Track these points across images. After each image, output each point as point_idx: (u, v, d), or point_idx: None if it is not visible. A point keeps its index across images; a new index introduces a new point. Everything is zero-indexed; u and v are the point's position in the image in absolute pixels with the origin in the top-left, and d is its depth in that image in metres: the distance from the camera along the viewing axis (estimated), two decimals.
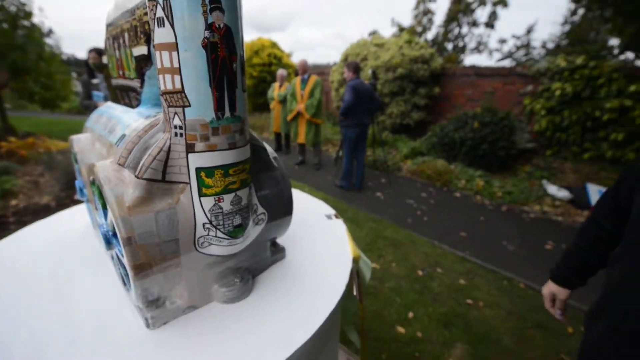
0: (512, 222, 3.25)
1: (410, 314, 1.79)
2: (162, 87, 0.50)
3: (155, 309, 0.59)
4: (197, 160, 0.53)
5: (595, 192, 3.47)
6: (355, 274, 0.82)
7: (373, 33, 15.02)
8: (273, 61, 7.85)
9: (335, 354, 0.95)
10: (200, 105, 0.50)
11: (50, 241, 0.85)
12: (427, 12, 13.46)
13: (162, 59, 0.48)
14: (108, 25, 0.76)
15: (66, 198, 2.86)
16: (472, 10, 12.75)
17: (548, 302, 0.93)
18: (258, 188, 0.67)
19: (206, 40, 0.47)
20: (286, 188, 0.74)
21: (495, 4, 12.10)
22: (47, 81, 5.33)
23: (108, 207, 0.53)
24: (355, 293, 0.80)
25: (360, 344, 0.92)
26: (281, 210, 0.73)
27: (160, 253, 0.53)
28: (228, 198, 0.57)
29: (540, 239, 2.88)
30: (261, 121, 7.45)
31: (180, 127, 0.51)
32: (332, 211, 1.11)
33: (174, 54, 0.47)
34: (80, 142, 0.78)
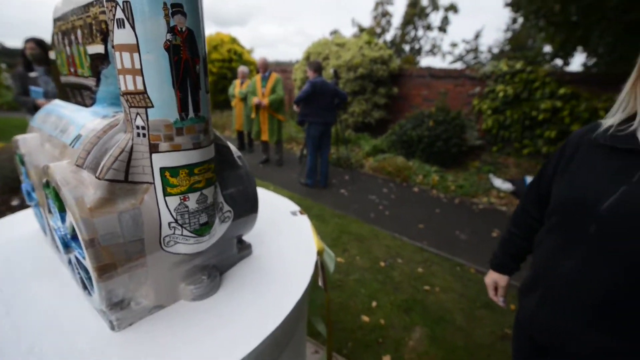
0: (464, 213, 3.53)
1: (374, 303, 1.89)
2: (123, 88, 0.50)
3: (120, 310, 0.58)
4: (161, 160, 0.53)
5: None
6: (320, 266, 0.87)
7: (334, 32, 15.20)
8: (233, 57, 7.65)
9: (303, 346, 0.99)
10: (164, 106, 0.51)
11: None
12: (386, 14, 13.94)
13: (122, 59, 0.48)
14: (56, 20, 0.73)
15: (2, 205, 2.58)
16: (427, 15, 13.45)
17: (491, 291, 0.99)
18: (223, 186, 0.69)
19: (168, 42, 0.48)
20: (251, 186, 0.76)
21: (447, 10, 12.87)
22: None
23: (67, 210, 0.52)
24: (320, 284, 0.85)
25: (326, 333, 0.96)
26: (247, 207, 0.75)
27: (125, 253, 0.53)
28: (194, 197, 0.58)
29: (488, 227, 3.16)
30: (223, 119, 7.24)
31: (143, 128, 0.52)
32: (297, 208, 1.14)
33: (135, 55, 0.47)
34: (27, 142, 0.74)
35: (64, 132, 0.67)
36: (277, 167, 4.73)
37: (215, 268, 0.72)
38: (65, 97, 0.82)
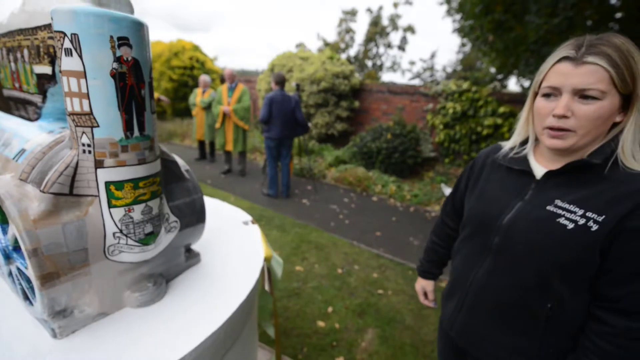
0: (417, 220, 3.77)
1: (330, 309, 1.97)
2: (70, 109, 0.55)
3: (63, 318, 0.61)
4: (107, 175, 0.58)
5: None
6: (267, 272, 0.93)
7: (299, 45, 15.51)
8: (195, 65, 7.52)
9: (253, 350, 1.04)
10: (110, 126, 0.56)
11: None
12: (349, 30, 14.54)
13: (69, 84, 0.53)
14: (1, 36, 0.74)
15: None
16: (387, 34, 14.24)
17: (421, 297, 1.06)
18: (170, 198, 0.74)
19: (114, 70, 0.54)
20: (198, 198, 0.81)
21: (405, 30, 13.74)
22: None
23: (10, 222, 0.54)
24: (267, 289, 0.91)
25: (275, 336, 1.02)
26: (193, 218, 0.80)
27: (69, 262, 0.57)
28: (139, 208, 0.63)
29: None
30: (183, 128, 7.04)
31: (89, 145, 0.56)
32: (249, 218, 1.20)
33: (82, 80, 0.53)
34: None
35: (6, 146, 0.69)
36: (240, 178, 4.71)
37: (161, 276, 0.76)
38: (7, 109, 0.82)
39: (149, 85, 0.60)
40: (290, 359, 1.55)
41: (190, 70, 7.57)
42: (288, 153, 3.86)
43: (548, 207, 0.66)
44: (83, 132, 0.55)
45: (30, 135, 0.67)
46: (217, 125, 4.61)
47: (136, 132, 0.59)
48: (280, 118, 3.57)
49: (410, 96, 6.25)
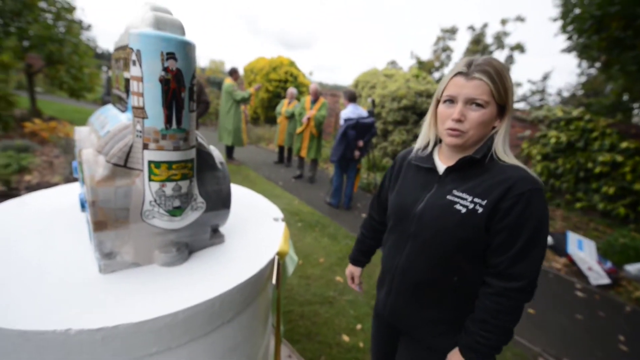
0: None
1: (359, 326, 1.92)
2: (133, 104, 0.74)
3: (108, 259, 0.80)
4: (150, 155, 0.75)
5: (574, 240, 3.55)
6: (277, 265, 1.01)
7: (391, 62, 15.49)
8: (289, 79, 8.29)
9: (255, 335, 1.13)
10: (155, 118, 0.73)
11: (48, 205, 1.09)
12: (446, 49, 13.91)
13: (133, 85, 0.72)
14: (115, 49, 1.03)
15: (75, 180, 3.15)
16: (490, 52, 13.11)
17: (349, 280, 1.22)
18: (201, 183, 0.90)
19: (162, 77, 0.71)
20: (226, 186, 0.95)
21: (512, 49, 12.44)
22: (77, 73, 5.80)
23: (85, 180, 0.76)
24: (273, 281, 0.99)
25: (275, 328, 1.09)
26: (219, 203, 0.94)
27: (115, 216, 0.76)
28: (170, 185, 0.79)
29: None
30: (270, 133, 7.80)
31: (140, 132, 0.74)
32: (280, 215, 1.31)
33: (140, 83, 0.71)
34: (80, 132, 1.03)
35: (103, 127, 0.95)
36: (308, 184, 4.96)
37: (186, 245, 0.91)
38: (114, 103, 1.12)
39: (189, 90, 0.76)
40: (299, 355, 1.59)
41: (284, 83, 8.37)
42: (355, 165, 3.92)
43: (447, 197, 0.81)
44: (137, 122, 0.74)
45: (116, 121, 0.90)
46: (298, 130, 4.98)
47: (174, 125, 0.75)
48: (351, 144, 3.64)
49: None
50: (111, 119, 0.94)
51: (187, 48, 0.73)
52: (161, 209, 0.80)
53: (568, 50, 4.34)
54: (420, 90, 5.83)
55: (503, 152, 0.78)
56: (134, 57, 0.70)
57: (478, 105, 0.75)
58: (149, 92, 0.71)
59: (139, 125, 0.74)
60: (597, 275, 3.00)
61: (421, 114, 5.98)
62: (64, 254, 0.84)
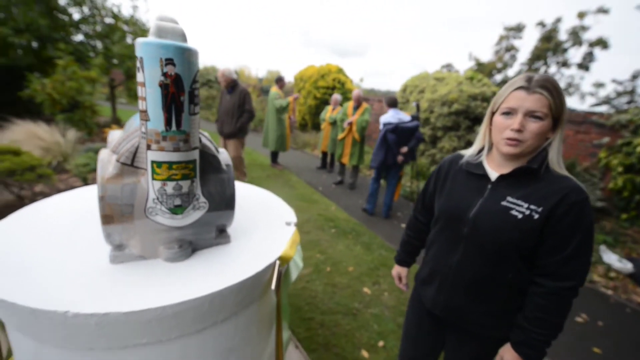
0: None
1: (381, 343, 1.81)
2: (140, 107, 0.80)
3: (118, 251, 0.87)
4: (152, 155, 0.80)
5: None
6: (277, 270, 0.99)
7: (446, 66, 14.71)
8: (337, 85, 8.35)
9: (253, 342, 1.12)
10: (156, 121, 0.78)
11: (86, 199, 1.24)
12: (511, 48, 12.74)
13: (140, 91, 0.78)
14: None
15: None
16: (564, 50, 11.68)
17: (397, 280, 1.30)
18: (204, 183, 0.93)
19: (161, 82, 0.75)
20: (230, 188, 0.98)
21: (592, 45, 10.92)
22: None
23: (97, 177, 0.84)
24: (272, 287, 0.97)
25: (276, 335, 1.07)
26: (222, 203, 0.97)
27: (121, 211, 0.82)
28: (171, 184, 0.83)
29: (573, 310, 2.55)
30: (315, 139, 7.92)
31: (144, 133, 0.80)
32: (293, 220, 1.30)
33: (143, 88, 0.76)
34: (113, 135, 1.15)
35: (127, 131, 1.04)
36: (348, 190, 4.90)
37: (190, 243, 0.95)
38: None
39: (189, 94, 0.80)
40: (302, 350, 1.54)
41: (332, 90, 8.45)
42: (396, 173, 3.77)
43: (502, 203, 0.89)
44: (142, 124, 0.80)
45: (136, 124, 0.99)
46: (340, 136, 4.98)
47: (174, 127, 0.79)
48: (392, 149, 3.52)
49: (577, 125, 4.94)
50: (134, 124, 1.03)
51: (186, 54, 0.77)
52: (163, 207, 0.85)
53: None
54: (474, 93, 5.41)
55: (556, 163, 0.87)
56: (138, 64, 0.75)
57: (537, 117, 0.83)
58: (150, 96, 0.76)
59: (144, 127, 0.79)
60: None
61: (475, 119, 5.54)
62: (88, 245, 0.94)
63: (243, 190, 1.56)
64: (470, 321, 0.99)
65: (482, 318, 0.97)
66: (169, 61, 0.74)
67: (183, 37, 0.79)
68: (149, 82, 0.75)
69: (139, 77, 0.76)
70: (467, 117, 5.55)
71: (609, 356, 2.04)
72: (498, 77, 13.14)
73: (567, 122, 5.05)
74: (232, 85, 3.87)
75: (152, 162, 0.81)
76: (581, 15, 10.76)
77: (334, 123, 5.36)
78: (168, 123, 0.78)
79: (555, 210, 0.82)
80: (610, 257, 3.35)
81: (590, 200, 0.84)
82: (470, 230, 0.92)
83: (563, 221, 0.82)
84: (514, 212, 0.86)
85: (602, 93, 12.64)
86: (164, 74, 0.74)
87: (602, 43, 10.70)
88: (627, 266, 3.19)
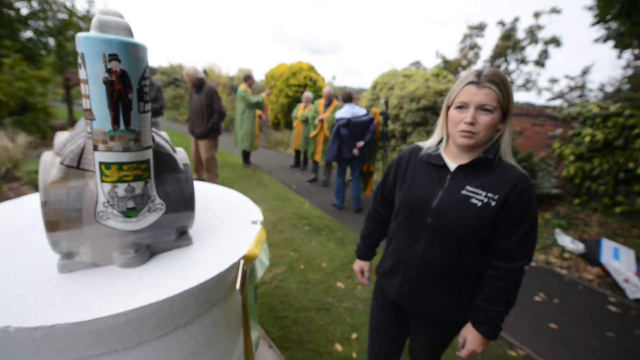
0: None
1: (355, 335, 1.84)
2: (83, 106, 0.75)
3: (66, 259, 0.82)
4: (99, 156, 0.76)
5: (609, 248, 3.20)
6: (242, 269, 0.98)
7: (415, 63, 15.12)
8: (308, 83, 8.34)
9: (220, 344, 1.10)
10: (101, 120, 0.74)
11: (37, 207, 1.15)
12: (474, 46, 13.34)
13: (82, 88, 0.74)
14: None
15: None
16: (522, 48, 12.40)
17: (359, 275, 1.31)
18: (160, 184, 0.90)
19: (106, 78, 0.71)
20: (188, 188, 0.95)
21: (547, 43, 11.68)
22: None
23: (39, 181, 0.78)
24: (237, 287, 0.96)
25: (244, 337, 1.05)
26: (181, 204, 0.94)
27: (67, 217, 0.77)
28: (122, 186, 0.79)
29: (531, 290, 2.73)
30: (288, 138, 7.87)
31: (90, 133, 0.76)
32: (259, 218, 1.29)
33: (86, 86, 0.72)
34: (59, 137, 1.07)
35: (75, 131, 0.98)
36: (322, 187, 4.93)
37: (147, 247, 0.91)
38: None
39: (137, 91, 0.76)
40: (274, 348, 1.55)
41: (304, 88, 8.43)
42: (358, 167, 3.84)
43: (462, 192, 0.93)
44: (88, 123, 0.75)
45: (82, 124, 0.93)
46: (312, 134, 4.98)
47: (122, 126, 0.76)
48: (347, 144, 3.58)
49: (533, 118, 5.26)
50: (82, 124, 0.98)
51: (132, 49, 0.73)
52: (115, 210, 0.81)
53: (603, 40, 3.97)
54: (440, 89, 5.61)
55: (507, 153, 0.93)
56: (80, 60, 0.71)
57: (487, 110, 0.88)
58: (94, 94, 0.72)
59: (89, 127, 0.75)
60: (636, 288, 2.68)
61: None
62: (36, 255, 0.87)
63: (208, 191, 1.52)
64: (434, 308, 1.04)
65: (445, 304, 1.02)
66: (113, 57, 0.70)
67: (128, 32, 0.76)
68: (92, 79, 0.71)
69: (81, 73, 0.72)
70: (434, 113, 5.75)
71: (564, 330, 2.20)
72: (464, 74, 13.68)
73: (527, 116, 5.35)
74: (199, 84, 3.74)
75: (100, 163, 0.77)
76: (537, 15, 11.46)
77: (306, 121, 5.36)
78: (115, 122, 0.75)
79: (508, 198, 0.88)
80: (564, 240, 3.62)
81: (533, 187, 0.91)
82: (433, 220, 0.95)
83: (515, 208, 0.88)
84: (473, 201, 0.91)
85: (557, 88, 13.56)
86: (108, 70, 0.71)
87: (555, 41, 11.48)
88: (579, 247, 3.46)
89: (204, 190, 1.51)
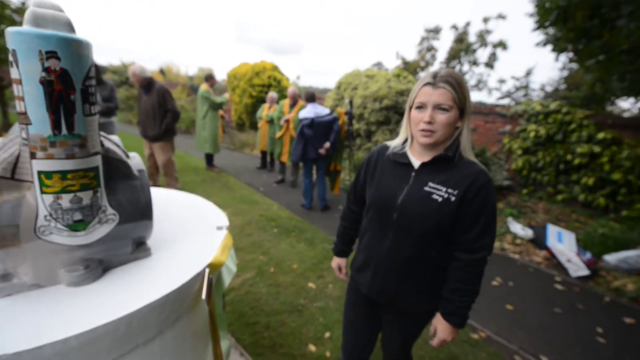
0: None
1: (327, 334, 1.85)
2: (17, 109, 0.67)
3: (3, 282, 0.72)
4: (38, 165, 0.68)
5: (554, 233, 3.54)
6: (207, 278, 0.93)
7: (377, 64, 15.56)
8: (272, 83, 8.24)
9: (201, 352, 1.05)
10: (39, 124, 0.66)
11: None
12: (431, 48, 14.03)
13: (15, 89, 0.66)
14: None
15: None
16: (474, 51, 13.27)
17: (337, 271, 1.34)
18: (112, 193, 0.83)
19: (43, 78, 0.64)
20: (144, 195, 0.89)
21: (495, 46, 12.59)
22: None
23: None
24: (203, 297, 0.91)
25: (213, 345, 1.01)
26: (137, 214, 0.87)
27: (1, 235, 0.68)
28: (67, 197, 0.72)
29: (489, 275, 2.93)
30: (254, 139, 7.72)
31: (26, 139, 0.68)
32: (225, 224, 1.24)
33: (20, 86, 0.64)
34: None
35: (8, 137, 0.87)
36: (290, 188, 4.90)
37: (100, 262, 0.84)
38: None
39: (81, 92, 0.70)
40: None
41: (268, 87, 8.31)
42: (323, 165, 3.88)
43: (425, 188, 0.97)
44: (23, 128, 0.67)
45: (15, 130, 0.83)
46: (278, 135, 4.93)
47: (64, 131, 0.68)
48: (312, 143, 3.60)
49: (485, 116, 5.65)
50: (16, 129, 0.87)
51: (74, 46, 0.67)
52: (59, 224, 0.73)
53: (543, 44, 4.36)
54: (401, 89, 5.82)
55: (466, 149, 0.98)
56: (11, 57, 0.63)
57: (444, 109, 0.92)
58: (29, 96, 0.64)
59: (25, 133, 0.67)
60: (576, 267, 2.98)
61: (403, 113, 5.98)
62: None
63: (169, 197, 1.44)
64: (404, 300, 1.07)
65: (414, 296, 1.06)
66: (52, 54, 0.64)
67: (69, 27, 0.69)
68: (26, 78, 0.63)
69: (13, 73, 0.64)
70: (396, 112, 5.96)
71: (519, 310, 2.39)
72: (422, 75, 14.34)
73: (479, 114, 5.72)
74: (147, 84, 3.51)
75: (40, 172, 0.69)
76: (485, 20, 12.31)
77: (271, 121, 5.29)
78: (56, 126, 0.67)
79: (467, 193, 0.93)
80: (516, 227, 3.93)
81: (492, 181, 0.97)
82: (398, 216, 0.99)
83: (474, 202, 0.93)
84: (434, 197, 0.95)
85: (505, 88, 14.69)
86: (46, 69, 0.64)
87: (502, 45, 12.42)
88: (528, 233, 3.78)
89: (163, 197, 1.43)
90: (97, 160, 0.77)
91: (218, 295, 1.01)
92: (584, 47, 3.31)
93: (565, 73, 13.00)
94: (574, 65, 11.92)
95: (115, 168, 0.84)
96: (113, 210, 0.82)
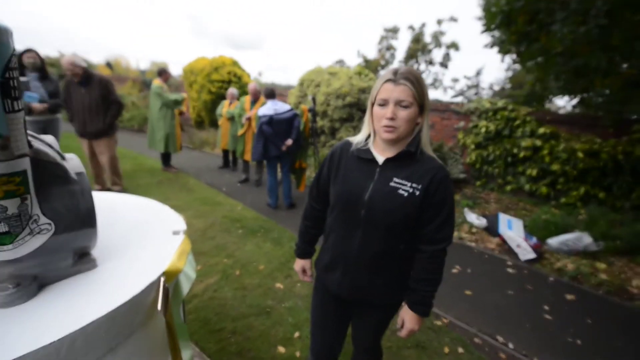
0: None
1: (297, 334, 1.83)
2: None
3: None
4: None
5: (504, 220, 3.83)
6: (163, 287, 0.86)
7: (339, 62, 15.73)
8: (233, 79, 7.97)
9: None
10: None
11: None
12: (390, 47, 14.48)
13: None
14: None
15: None
16: (429, 51, 13.92)
17: (301, 274, 1.30)
18: (45, 200, 0.73)
19: None
20: (85, 201, 0.79)
21: (448, 47, 13.32)
22: None
23: None
24: (159, 308, 0.84)
25: (173, 357, 0.94)
26: (77, 222, 0.78)
27: None
28: None
29: (449, 263, 3.10)
30: (215, 137, 7.43)
31: None
32: (182, 228, 1.16)
33: None
34: None
35: None
36: (255, 187, 4.78)
37: (34, 278, 0.74)
38: None
39: (1, 85, 0.60)
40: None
41: (228, 83, 8.03)
42: (286, 163, 3.85)
43: (390, 184, 0.99)
44: None
45: None
46: (240, 132, 4.77)
47: None
48: (272, 141, 3.55)
49: (441, 113, 5.95)
50: None
51: None
52: None
53: (490, 45, 4.68)
54: (363, 87, 5.93)
55: (426, 145, 1.01)
56: None
57: (405, 106, 0.94)
58: None
59: None
60: (525, 251, 3.26)
61: (365, 110, 6.09)
62: None
63: (117, 201, 1.32)
64: (374, 294, 1.09)
65: (384, 289, 1.08)
66: None
67: None
68: None
69: None
70: (359, 109, 6.06)
71: (476, 295, 2.55)
72: (383, 73, 14.78)
73: (436, 111, 6.00)
74: (85, 76, 3.21)
75: None
76: (439, 22, 12.96)
77: (232, 118, 5.11)
78: None
79: (429, 187, 0.96)
80: (471, 217, 4.20)
81: (450, 175, 1.01)
82: (366, 212, 1.00)
83: (435, 195, 0.96)
84: (400, 192, 0.97)
85: (458, 86, 15.61)
86: None
87: (454, 46, 13.17)
88: (483, 222, 4.05)
89: (110, 201, 1.31)
90: (25, 164, 0.67)
91: (176, 304, 0.94)
92: (525, 50, 3.61)
93: (510, 73, 14.14)
94: (517, 66, 13.02)
95: (49, 172, 0.74)
96: (47, 220, 0.72)
